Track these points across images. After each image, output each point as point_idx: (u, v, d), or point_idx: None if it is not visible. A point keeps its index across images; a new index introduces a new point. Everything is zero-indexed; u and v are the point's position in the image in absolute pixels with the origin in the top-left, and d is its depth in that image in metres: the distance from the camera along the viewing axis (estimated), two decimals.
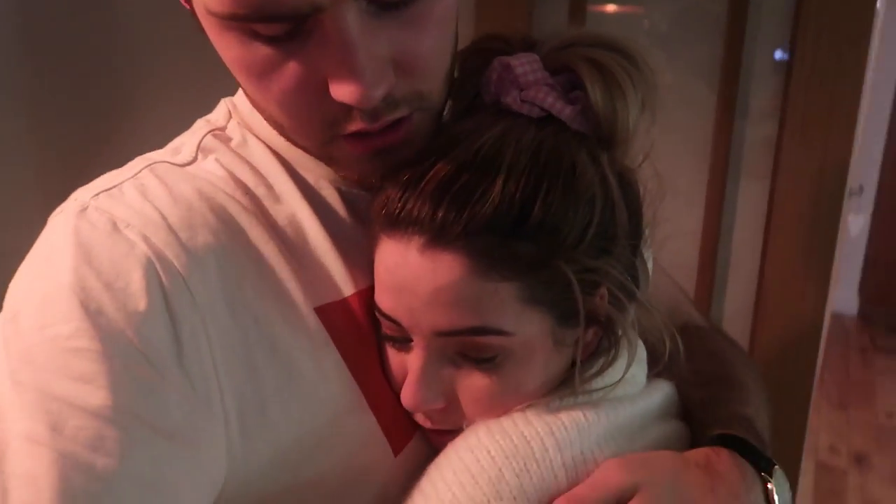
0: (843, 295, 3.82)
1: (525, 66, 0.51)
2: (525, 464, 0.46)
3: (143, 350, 0.42)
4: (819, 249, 1.21)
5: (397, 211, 0.47)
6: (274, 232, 0.51)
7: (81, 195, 0.48)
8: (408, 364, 0.51)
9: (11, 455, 0.40)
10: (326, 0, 0.40)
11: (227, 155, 0.54)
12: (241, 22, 0.42)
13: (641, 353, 0.56)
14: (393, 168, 0.49)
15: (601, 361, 0.52)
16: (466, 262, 0.46)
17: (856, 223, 3.15)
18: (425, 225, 0.46)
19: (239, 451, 0.46)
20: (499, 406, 0.50)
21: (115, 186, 0.49)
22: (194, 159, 0.53)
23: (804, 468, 2.08)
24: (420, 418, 0.54)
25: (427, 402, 0.50)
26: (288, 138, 0.53)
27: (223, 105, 0.59)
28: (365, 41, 0.42)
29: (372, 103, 0.44)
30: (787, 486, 0.54)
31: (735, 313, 1.32)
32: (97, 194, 0.48)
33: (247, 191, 0.52)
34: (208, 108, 0.60)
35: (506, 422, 0.49)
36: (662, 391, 0.57)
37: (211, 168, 0.52)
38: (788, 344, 1.27)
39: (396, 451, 0.53)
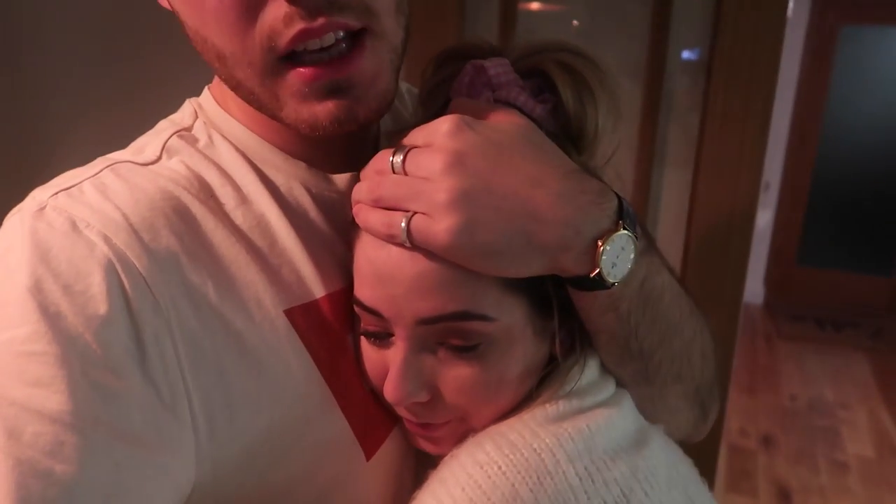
0: (750, 286, 4.03)
1: (497, 68, 0.52)
2: (539, 478, 0.45)
3: (103, 355, 0.41)
4: (736, 242, 1.28)
5: None
6: (240, 234, 0.50)
7: (39, 194, 0.46)
8: (388, 359, 0.51)
9: None
10: None
11: (194, 156, 0.52)
12: None
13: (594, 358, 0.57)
14: (350, 111, 0.47)
15: (581, 358, 0.54)
16: None
17: (762, 217, 3.34)
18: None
19: (207, 455, 0.45)
20: (483, 396, 0.51)
21: (74, 185, 0.47)
22: (158, 158, 0.51)
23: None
24: (403, 412, 0.53)
25: (411, 394, 0.49)
26: (236, 83, 0.49)
27: (188, 105, 0.57)
28: None
29: None
30: (628, 251, 0.48)
31: None
32: (56, 193, 0.46)
33: (212, 192, 0.50)
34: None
35: (512, 434, 0.48)
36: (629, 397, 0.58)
37: (175, 168, 0.50)
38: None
39: (368, 456, 0.53)
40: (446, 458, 0.50)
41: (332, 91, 0.47)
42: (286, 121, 0.49)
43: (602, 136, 0.53)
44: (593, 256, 0.47)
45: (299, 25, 0.44)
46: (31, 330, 0.40)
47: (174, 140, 0.53)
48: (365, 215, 0.47)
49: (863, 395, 3.13)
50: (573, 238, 0.46)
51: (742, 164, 1.24)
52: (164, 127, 0.55)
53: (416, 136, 0.47)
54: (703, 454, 1.37)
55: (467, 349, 0.49)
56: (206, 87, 0.58)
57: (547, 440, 0.48)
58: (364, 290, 0.50)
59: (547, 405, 0.51)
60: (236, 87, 0.49)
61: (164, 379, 0.43)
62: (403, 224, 0.45)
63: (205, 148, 0.53)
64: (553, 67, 0.52)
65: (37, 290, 0.41)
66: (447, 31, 1.31)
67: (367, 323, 0.51)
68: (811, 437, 2.79)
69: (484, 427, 0.52)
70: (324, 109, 0.47)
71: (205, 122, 0.55)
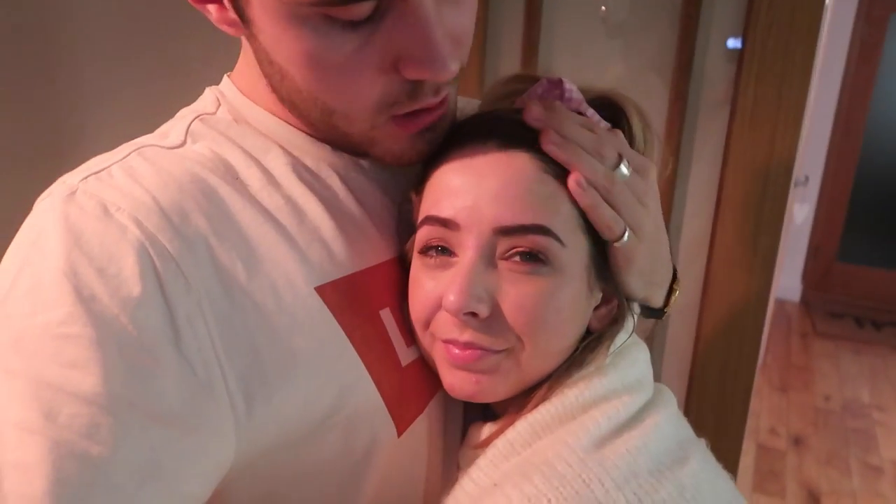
0: (787, 282, 3.94)
1: (572, 86, 0.56)
2: None
3: (138, 336, 0.42)
4: (765, 237, 1.24)
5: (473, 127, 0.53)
6: (268, 214, 0.50)
7: (69, 179, 0.47)
8: (448, 279, 0.51)
9: (4, 444, 0.39)
10: None
11: (218, 139, 0.53)
12: (330, 7, 0.43)
13: (645, 353, 0.59)
14: (433, 145, 0.54)
15: (615, 328, 0.57)
16: (538, 160, 0.50)
17: (801, 212, 3.24)
18: (501, 133, 0.51)
19: (246, 433, 0.46)
20: (541, 319, 0.50)
21: (103, 169, 0.47)
22: (183, 143, 0.52)
23: (745, 449, 2.14)
24: (455, 332, 0.51)
25: (474, 299, 0.49)
26: (326, 126, 0.52)
27: (210, 94, 0.58)
28: (437, 19, 0.45)
29: (450, 77, 0.47)
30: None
31: (683, 301, 1.34)
32: (86, 177, 0.46)
33: (239, 173, 0.51)
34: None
35: (560, 465, 0.47)
36: (672, 402, 0.58)
37: (201, 151, 0.51)
38: (733, 329, 1.30)
39: (400, 431, 0.53)
40: (488, 487, 0.49)
41: (423, 132, 0.52)
42: (372, 154, 0.55)
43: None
44: (668, 296, 0.62)
45: (427, 101, 0.50)
46: (67, 313, 0.41)
47: (197, 124, 0.54)
48: (594, 201, 0.51)
49: None
50: (666, 280, 0.62)
51: (773, 160, 1.20)
52: (186, 114, 0.56)
53: (638, 159, 0.55)
54: (726, 452, 1.34)
55: (534, 266, 0.50)
56: (227, 76, 0.58)
57: (595, 469, 0.47)
58: (443, 202, 0.51)
59: (588, 421, 0.50)
60: (324, 126, 0.52)
61: (198, 359, 0.43)
62: (626, 233, 0.53)
63: (228, 130, 0.54)
64: (626, 99, 0.58)
65: (72, 274, 0.42)
66: None
67: (431, 245, 0.52)
68: (844, 439, 2.71)
69: (534, 370, 0.53)
70: (415, 148, 0.53)
71: (228, 110, 0.56)
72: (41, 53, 0.89)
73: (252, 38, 0.49)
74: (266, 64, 0.50)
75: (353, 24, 0.44)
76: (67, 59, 0.92)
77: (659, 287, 0.60)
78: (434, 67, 0.45)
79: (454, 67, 0.46)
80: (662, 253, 0.59)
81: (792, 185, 1.23)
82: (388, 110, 0.49)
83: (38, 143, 0.89)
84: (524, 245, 0.50)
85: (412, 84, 0.48)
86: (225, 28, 0.50)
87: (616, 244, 0.53)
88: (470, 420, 0.59)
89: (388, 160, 0.55)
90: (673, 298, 0.63)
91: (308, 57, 0.46)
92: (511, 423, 0.53)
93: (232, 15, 0.48)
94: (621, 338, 0.56)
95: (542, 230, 0.49)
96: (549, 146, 0.50)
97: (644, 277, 0.57)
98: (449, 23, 0.47)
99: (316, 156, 0.55)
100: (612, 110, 0.58)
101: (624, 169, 0.53)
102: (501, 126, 0.52)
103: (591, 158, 0.51)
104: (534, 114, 0.51)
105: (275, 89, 0.52)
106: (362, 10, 0.43)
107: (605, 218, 0.51)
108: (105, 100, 0.96)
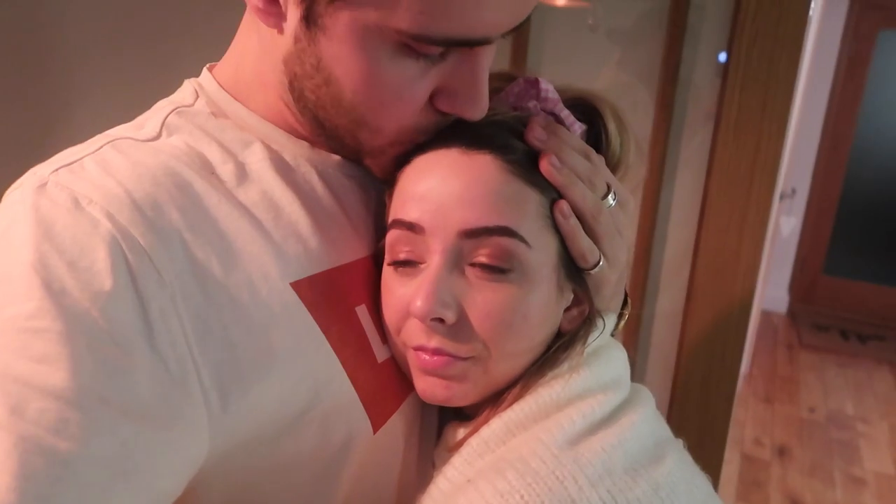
0: (774, 293, 3.96)
1: (547, 85, 0.57)
2: None
3: (110, 330, 0.41)
4: (748, 246, 1.25)
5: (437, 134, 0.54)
6: (244, 209, 0.50)
7: (40, 170, 0.46)
8: (417, 284, 0.51)
9: None
10: (497, 34, 0.47)
11: (194, 133, 0.52)
12: (422, 42, 0.45)
13: (622, 352, 0.59)
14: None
15: (587, 329, 0.57)
16: (501, 161, 0.51)
17: (787, 224, 3.27)
18: (464, 136, 0.52)
19: (221, 428, 0.45)
20: (507, 326, 0.51)
21: (75, 161, 0.47)
22: (158, 135, 0.51)
23: (729, 459, 2.15)
24: (422, 338, 0.52)
25: (440, 305, 0.50)
26: (346, 134, 0.53)
27: (188, 85, 0.57)
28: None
29: (482, 117, 0.51)
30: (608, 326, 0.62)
31: (667, 310, 1.35)
32: (57, 169, 0.46)
33: (215, 168, 0.51)
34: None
35: (534, 461, 0.47)
36: (650, 401, 0.58)
37: (176, 144, 0.51)
38: (716, 338, 1.30)
39: (375, 428, 0.53)
40: (462, 483, 0.49)
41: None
42: (365, 164, 0.56)
43: (625, 169, 0.61)
44: (618, 320, 0.63)
45: (435, 130, 0.53)
46: (36, 306, 0.40)
47: (173, 117, 0.53)
48: (574, 230, 0.53)
49: (885, 410, 3.06)
50: (619, 306, 0.63)
51: (757, 167, 1.21)
52: (163, 105, 0.55)
53: (622, 192, 0.57)
54: (709, 459, 1.35)
55: (500, 271, 0.50)
56: (206, 68, 0.58)
57: (569, 466, 0.47)
58: (409, 206, 0.52)
59: (563, 419, 0.50)
60: (343, 134, 0.53)
61: (172, 353, 0.43)
62: (601, 262, 0.54)
63: (206, 124, 0.53)
64: (602, 101, 0.59)
65: (41, 267, 0.41)
66: None
67: (399, 250, 0.53)
68: (828, 450, 2.73)
69: (502, 373, 0.53)
70: (395, 163, 0.54)
71: (206, 102, 0.55)
72: (31, 50, 0.89)
73: (303, 39, 0.48)
74: (308, 66, 0.49)
75: (421, 56, 0.47)
76: (57, 56, 0.92)
77: (613, 312, 0.62)
78: (475, 108, 0.50)
79: (486, 109, 0.51)
80: (624, 280, 0.62)
81: (776, 195, 1.24)
82: (409, 134, 0.52)
83: (27, 139, 0.89)
84: (489, 248, 0.50)
85: (441, 115, 0.51)
86: (260, 16, 0.49)
87: (591, 272, 0.54)
88: (445, 421, 0.59)
89: (381, 173, 0.56)
90: (621, 323, 0.64)
91: (371, 74, 0.47)
92: (486, 421, 0.53)
93: (283, 10, 0.47)
94: (593, 336, 0.56)
95: (507, 232, 0.50)
96: (548, 168, 0.51)
97: (605, 303, 0.59)
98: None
99: (294, 152, 0.55)
100: (588, 111, 0.58)
101: (611, 200, 0.55)
102: (464, 129, 0.52)
103: (583, 186, 0.53)
104: (535, 134, 0.52)
105: (299, 90, 0.51)
106: (437, 50, 0.47)
107: (581, 247, 0.53)
108: (94, 95, 0.96)
